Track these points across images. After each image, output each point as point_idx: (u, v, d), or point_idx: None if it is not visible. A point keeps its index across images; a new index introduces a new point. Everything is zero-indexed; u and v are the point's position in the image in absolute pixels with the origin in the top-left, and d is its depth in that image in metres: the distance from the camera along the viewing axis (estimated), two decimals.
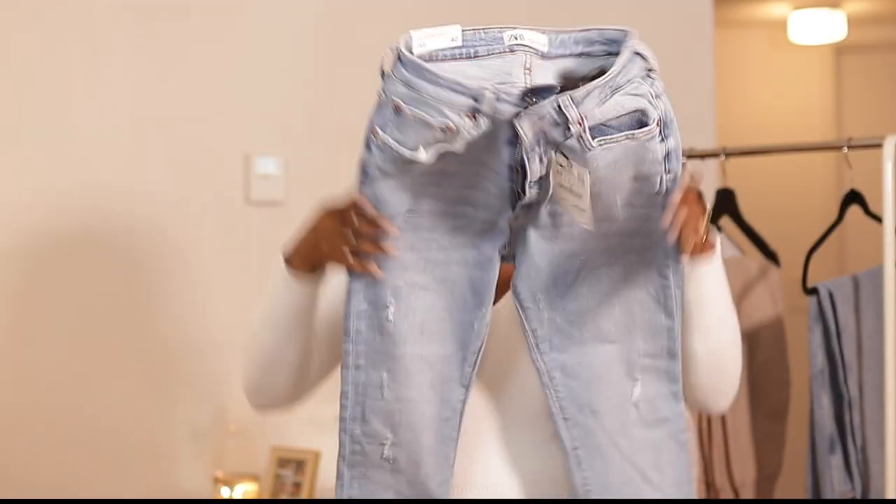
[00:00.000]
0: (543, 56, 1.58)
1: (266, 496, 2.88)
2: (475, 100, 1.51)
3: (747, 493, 2.49)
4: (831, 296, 2.20)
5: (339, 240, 1.60)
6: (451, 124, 1.51)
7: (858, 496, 2.21)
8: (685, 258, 1.59)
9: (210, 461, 2.90)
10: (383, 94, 1.57)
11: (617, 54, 1.57)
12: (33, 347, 2.89)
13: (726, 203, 2.53)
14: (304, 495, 2.87)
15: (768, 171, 4.48)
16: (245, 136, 3.00)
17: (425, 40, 1.55)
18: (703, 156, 2.53)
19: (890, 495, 2.13)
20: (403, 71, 1.57)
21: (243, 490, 2.81)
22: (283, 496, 2.88)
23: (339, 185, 3.04)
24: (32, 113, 2.90)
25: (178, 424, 2.93)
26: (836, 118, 5.07)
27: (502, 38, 1.60)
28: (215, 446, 2.89)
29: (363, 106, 3.17)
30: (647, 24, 3.24)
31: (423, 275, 1.59)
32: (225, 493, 2.81)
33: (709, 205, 1.61)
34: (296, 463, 2.89)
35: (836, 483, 2.19)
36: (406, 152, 1.54)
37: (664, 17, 3.25)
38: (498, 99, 1.51)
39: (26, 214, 2.89)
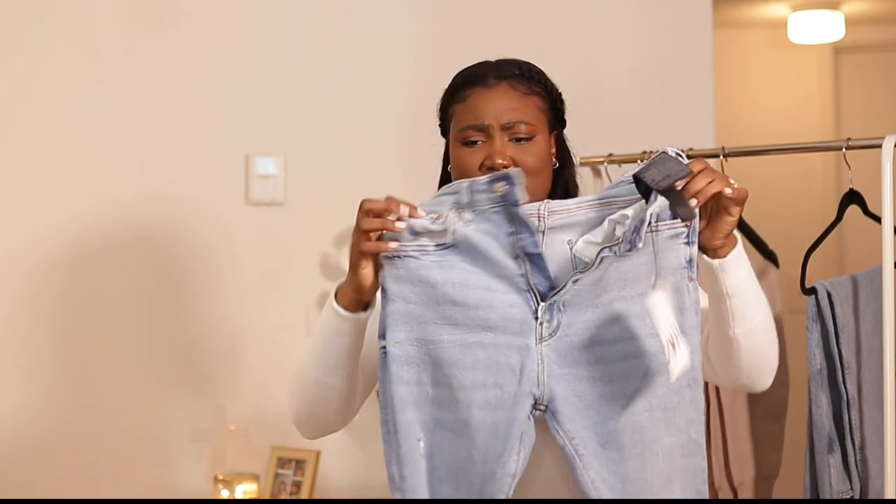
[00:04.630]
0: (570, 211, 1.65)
1: (266, 496, 2.88)
2: (456, 192, 1.62)
3: (746, 493, 2.50)
4: (830, 296, 2.20)
5: (361, 231, 1.64)
6: (440, 216, 1.61)
7: (857, 496, 2.21)
8: (717, 244, 1.61)
9: (210, 461, 2.90)
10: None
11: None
12: (30, 349, 2.89)
13: None
14: (304, 495, 2.87)
15: (767, 171, 4.48)
16: (245, 136, 3.00)
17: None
18: (702, 156, 2.52)
19: (888, 495, 2.13)
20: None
21: (243, 490, 2.81)
22: (283, 496, 2.88)
23: (339, 185, 3.07)
24: (32, 116, 2.90)
25: (178, 424, 2.93)
26: (835, 118, 5.07)
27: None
28: (215, 446, 2.89)
29: (363, 106, 3.20)
30: (648, 24, 3.26)
31: (448, 413, 1.60)
32: (225, 493, 2.81)
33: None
34: (296, 463, 2.90)
35: (834, 483, 2.18)
36: (409, 246, 1.61)
37: (664, 17, 3.26)
38: (471, 189, 1.61)
39: (23, 219, 2.90)
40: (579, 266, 1.58)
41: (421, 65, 3.07)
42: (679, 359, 1.51)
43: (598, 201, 1.61)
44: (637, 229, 1.52)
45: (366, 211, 1.64)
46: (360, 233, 1.63)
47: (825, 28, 4.76)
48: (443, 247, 1.60)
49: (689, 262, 1.58)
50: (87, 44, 2.93)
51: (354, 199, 3.01)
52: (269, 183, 3.00)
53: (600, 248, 1.55)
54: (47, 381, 2.88)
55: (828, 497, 2.18)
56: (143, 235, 2.93)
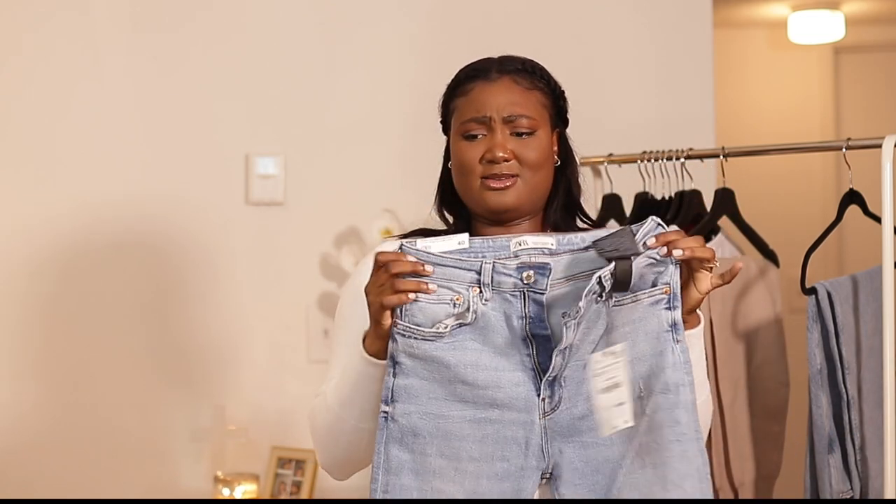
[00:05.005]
0: (552, 253, 1.65)
1: (266, 496, 2.88)
2: (477, 272, 1.62)
3: (746, 493, 2.49)
4: (830, 296, 2.20)
5: (379, 285, 1.64)
6: (459, 296, 1.62)
7: (857, 496, 2.21)
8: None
9: (210, 461, 2.90)
10: None
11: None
12: (29, 349, 2.89)
13: (725, 203, 2.53)
14: (304, 495, 2.87)
15: (767, 171, 4.48)
16: (245, 136, 3.00)
17: (431, 244, 1.65)
18: (702, 156, 2.52)
19: (888, 495, 2.13)
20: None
21: (243, 490, 2.81)
22: (283, 496, 2.88)
23: (339, 185, 3.07)
24: (32, 116, 2.90)
25: (178, 424, 2.93)
26: (835, 118, 5.07)
27: (508, 246, 1.66)
28: (215, 446, 2.89)
29: (363, 106, 3.20)
30: (647, 24, 3.26)
31: (453, 483, 1.63)
32: (225, 493, 2.81)
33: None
34: (296, 463, 2.90)
35: (834, 483, 2.18)
36: (427, 330, 1.62)
37: (664, 17, 3.26)
38: (495, 271, 1.62)
39: (24, 219, 2.90)
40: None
41: (421, 65, 3.07)
42: (616, 414, 1.57)
43: (586, 272, 1.62)
44: (585, 294, 1.57)
45: (387, 263, 1.62)
46: (384, 287, 1.63)
47: (825, 28, 4.76)
48: (460, 325, 1.62)
49: (673, 325, 1.62)
50: (87, 44, 2.93)
51: (354, 199, 3.05)
52: (269, 183, 3.00)
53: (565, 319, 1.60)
54: (47, 381, 2.88)
55: (828, 497, 2.18)
56: (143, 235, 2.93)
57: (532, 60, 1.83)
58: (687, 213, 2.53)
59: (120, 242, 2.92)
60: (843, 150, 2.26)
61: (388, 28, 3.11)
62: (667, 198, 2.59)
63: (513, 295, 1.62)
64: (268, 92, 3.02)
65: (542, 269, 1.61)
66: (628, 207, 2.65)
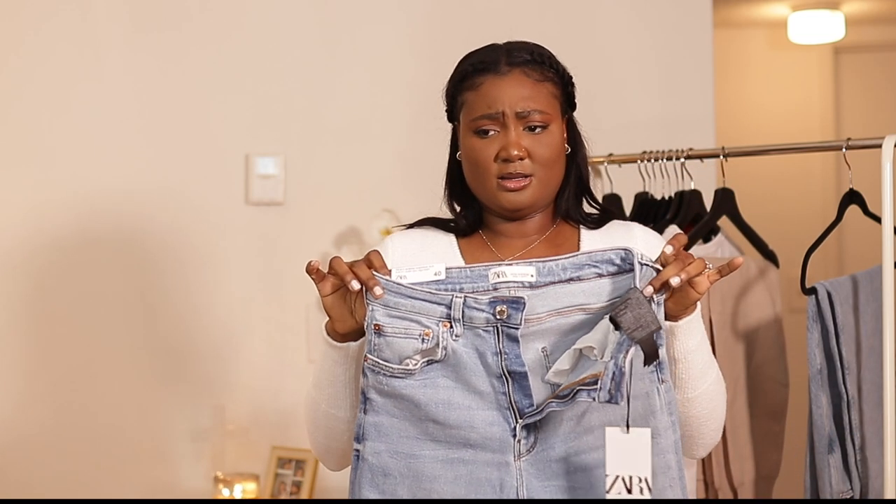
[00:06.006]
0: (532, 286, 1.61)
1: (266, 496, 2.88)
2: (447, 307, 1.59)
3: (746, 493, 2.49)
4: (830, 296, 2.20)
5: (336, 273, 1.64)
6: (428, 331, 1.59)
7: (857, 496, 2.21)
8: (677, 314, 1.63)
9: (210, 461, 2.90)
10: (367, 322, 1.62)
11: (607, 275, 1.60)
12: (30, 349, 2.89)
13: (725, 203, 2.53)
14: (304, 495, 2.87)
15: (767, 171, 4.49)
16: (245, 136, 3.01)
17: (406, 273, 1.62)
18: (702, 156, 2.52)
19: (888, 495, 2.13)
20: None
21: (243, 490, 2.81)
22: (283, 496, 2.88)
23: (339, 185, 3.07)
24: (33, 116, 2.90)
25: (178, 424, 2.93)
26: (835, 118, 5.07)
27: (487, 276, 1.62)
28: (215, 446, 2.89)
29: (363, 106, 3.20)
30: (647, 24, 3.26)
31: None
32: (225, 493, 2.81)
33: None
34: (296, 463, 2.90)
35: (834, 483, 2.18)
36: (395, 367, 1.60)
37: (664, 17, 3.26)
38: (466, 305, 1.58)
39: (25, 218, 2.90)
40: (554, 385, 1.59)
41: (421, 64, 3.07)
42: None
43: (568, 308, 1.59)
44: (618, 383, 1.48)
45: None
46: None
47: (825, 28, 4.76)
48: (430, 362, 1.60)
49: (658, 364, 1.57)
50: (87, 44, 2.93)
51: (354, 199, 3.05)
52: (269, 183, 3.00)
53: (576, 386, 1.52)
54: (46, 381, 2.88)
55: (828, 497, 2.18)
56: (143, 235, 2.93)
57: (539, 47, 1.79)
58: (687, 213, 2.53)
59: (120, 242, 2.92)
60: (843, 150, 2.26)
61: (388, 28, 3.11)
62: (667, 198, 2.59)
63: (485, 330, 1.58)
64: (268, 92, 3.03)
65: (517, 303, 1.58)
66: (628, 207, 2.65)
